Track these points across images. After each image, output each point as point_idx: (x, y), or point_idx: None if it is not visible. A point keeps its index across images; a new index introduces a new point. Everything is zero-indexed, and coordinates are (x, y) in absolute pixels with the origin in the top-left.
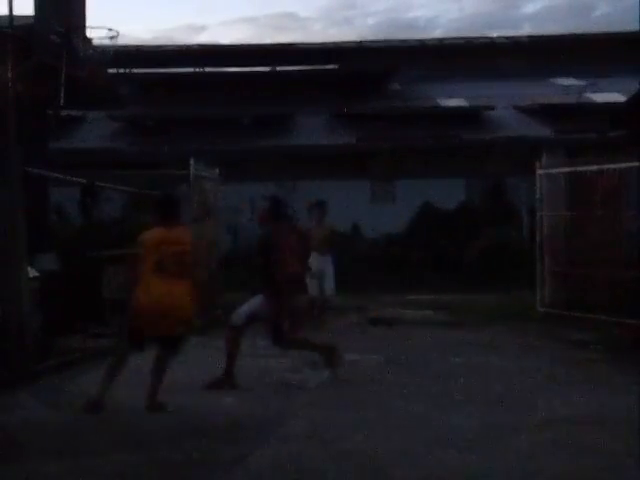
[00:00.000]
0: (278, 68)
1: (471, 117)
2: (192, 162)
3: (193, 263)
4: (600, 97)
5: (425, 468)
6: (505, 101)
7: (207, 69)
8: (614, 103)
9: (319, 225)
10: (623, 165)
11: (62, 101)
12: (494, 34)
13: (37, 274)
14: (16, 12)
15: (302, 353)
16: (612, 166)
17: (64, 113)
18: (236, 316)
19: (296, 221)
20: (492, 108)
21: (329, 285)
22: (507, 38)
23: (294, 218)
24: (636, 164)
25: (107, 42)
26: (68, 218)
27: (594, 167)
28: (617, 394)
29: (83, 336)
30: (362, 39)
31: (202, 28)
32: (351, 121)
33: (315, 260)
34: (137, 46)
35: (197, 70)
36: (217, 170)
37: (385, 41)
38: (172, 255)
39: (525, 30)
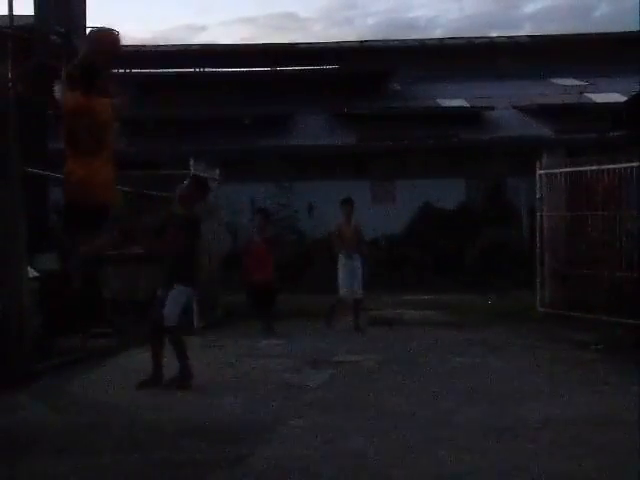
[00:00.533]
0: (278, 68)
1: (471, 117)
2: (192, 162)
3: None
4: (600, 97)
5: (425, 468)
6: (505, 101)
7: (207, 69)
8: (614, 103)
9: (347, 224)
10: (623, 165)
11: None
12: (494, 34)
13: (37, 274)
14: (16, 12)
15: (302, 353)
16: (612, 166)
17: None
18: (169, 318)
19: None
20: (492, 108)
21: (358, 286)
22: (507, 38)
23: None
24: (636, 164)
25: None
26: None
27: (594, 167)
28: (617, 394)
29: (83, 336)
30: (362, 39)
31: (202, 28)
32: (351, 121)
33: (343, 260)
34: (137, 46)
35: (197, 70)
36: (217, 170)
37: (385, 41)
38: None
39: (525, 30)
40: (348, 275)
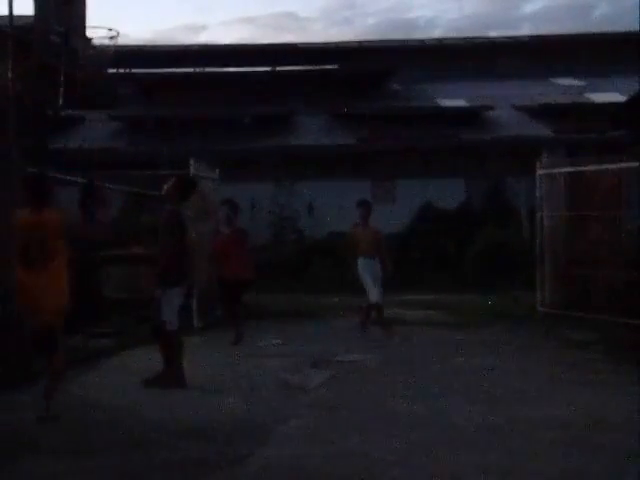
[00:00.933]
0: (278, 68)
1: (471, 117)
2: (192, 162)
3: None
4: (600, 97)
5: (425, 468)
6: (505, 101)
7: (207, 69)
8: (614, 103)
9: (365, 227)
10: (623, 165)
11: (62, 101)
12: (493, 34)
13: None
14: (16, 12)
15: (302, 353)
16: (612, 166)
17: (64, 113)
18: (171, 323)
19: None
20: (492, 108)
21: (379, 289)
22: (507, 38)
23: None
24: (636, 164)
25: (107, 42)
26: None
27: (594, 167)
28: (617, 394)
29: (83, 336)
30: (362, 39)
31: (202, 28)
32: (351, 121)
33: (362, 264)
34: (137, 46)
35: (197, 70)
36: (217, 170)
37: (385, 41)
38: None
39: (524, 30)
40: (371, 278)
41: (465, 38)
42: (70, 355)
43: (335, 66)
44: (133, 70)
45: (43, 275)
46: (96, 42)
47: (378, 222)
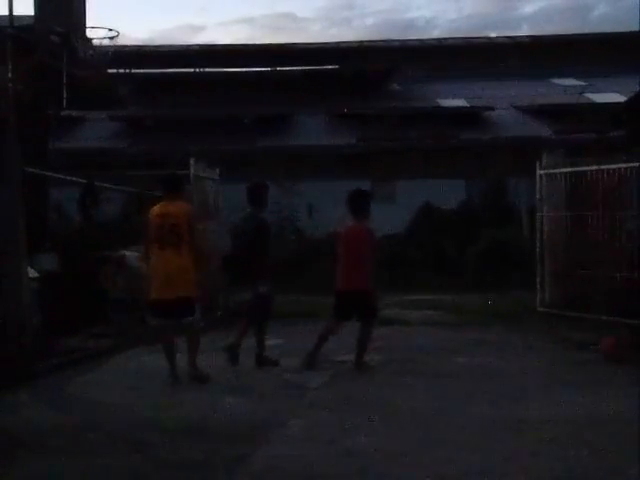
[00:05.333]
0: (278, 68)
1: (471, 117)
2: (192, 162)
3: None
4: (600, 97)
5: (426, 468)
6: (505, 101)
7: (207, 69)
8: (614, 103)
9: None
10: (623, 165)
11: (62, 101)
12: (492, 35)
13: (37, 274)
14: (16, 12)
15: (302, 353)
16: (612, 166)
17: (64, 113)
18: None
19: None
20: (492, 108)
21: None
22: (507, 38)
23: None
24: (636, 164)
25: (107, 42)
26: (68, 218)
27: (594, 167)
28: (617, 394)
29: (83, 336)
30: (361, 39)
31: (201, 28)
32: (351, 121)
33: None
34: (137, 46)
35: (197, 70)
36: (217, 170)
37: (385, 41)
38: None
39: (523, 31)
40: None
41: (465, 38)
42: (70, 355)
43: (335, 66)
44: (133, 70)
45: (176, 255)
46: (96, 42)
47: (378, 222)
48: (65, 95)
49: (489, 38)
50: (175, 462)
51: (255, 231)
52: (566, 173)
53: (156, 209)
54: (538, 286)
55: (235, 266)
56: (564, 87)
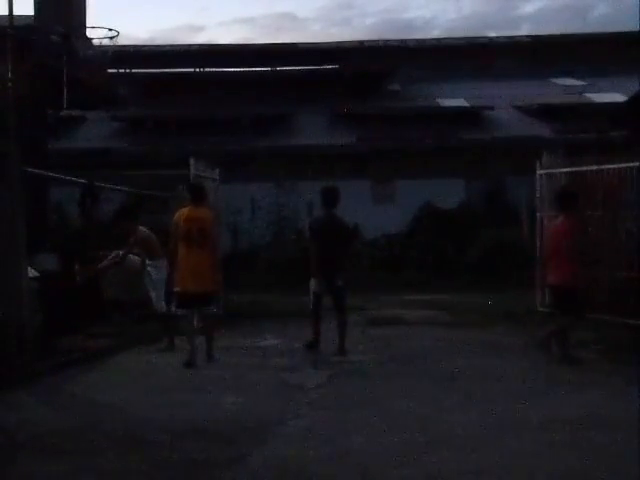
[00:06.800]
0: (278, 68)
1: (471, 117)
2: (192, 162)
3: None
4: (600, 97)
5: (425, 468)
6: (505, 101)
7: (207, 69)
8: (614, 103)
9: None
10: (623, 165)
11: (63, 101)
12: (492, 35)
13: (37, 274)
14: (16, 12)
15: (302, 353)
16: (612, 166)
17: (64, 113)
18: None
19: None
20: (492, 108)
21: None
22: (507, 38)
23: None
24: (636, 164)
25: (107, 42)
26: (68, 218)
27: (594, 167)
28: (617, 394)
29: (83, 336)
30: (361, 39)
31: (201, 28)
32: (351, 121)
33: None
34: (137, 46)
35: (197, 70)
36: (217, 170)
37: (385, 41)
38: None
39: (523, 31)
40: None
41: (465, 38)
42: (70, 355)
43: (335, 66)
44: (133, 70)
45: (201, 253)
46: (96, 42)
47: (378, 222)
48: (65, 95)
49: (489, 38)
50: (175, 462)
51: (341, 230)
52: (566, 173)
53: (185, 213)
54: (538, 286)
55: (325, 262)
56: (564, 87)
